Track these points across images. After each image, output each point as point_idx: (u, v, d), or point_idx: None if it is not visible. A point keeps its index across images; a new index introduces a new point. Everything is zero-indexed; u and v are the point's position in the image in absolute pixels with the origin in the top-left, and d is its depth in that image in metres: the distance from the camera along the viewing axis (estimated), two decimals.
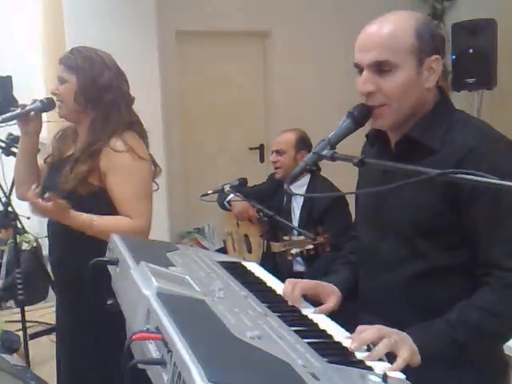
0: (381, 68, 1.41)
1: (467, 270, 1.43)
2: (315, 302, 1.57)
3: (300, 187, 3.26)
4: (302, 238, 2.85)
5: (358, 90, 1.45)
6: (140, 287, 1.27)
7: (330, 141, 1.38)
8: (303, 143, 3.45)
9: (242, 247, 3.75)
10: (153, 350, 1.10)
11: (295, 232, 3.16)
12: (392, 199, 1.50)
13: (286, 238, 2.85)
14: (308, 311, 1.48)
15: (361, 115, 1.42)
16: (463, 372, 1.41)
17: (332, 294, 1.59)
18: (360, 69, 1.45)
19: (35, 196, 2.09)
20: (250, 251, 3.67)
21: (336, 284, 1.64)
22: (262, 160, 5.79)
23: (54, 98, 2.30)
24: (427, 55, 1.42)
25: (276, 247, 2.86)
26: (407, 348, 1.23)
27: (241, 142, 5.70)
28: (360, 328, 1.25)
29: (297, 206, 3.43)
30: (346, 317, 1.52)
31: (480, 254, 1.39)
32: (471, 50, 4.94)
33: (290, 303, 1.50)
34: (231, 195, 3.54)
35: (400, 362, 1.18)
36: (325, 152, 1.36)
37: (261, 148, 5.79)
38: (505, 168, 1.32)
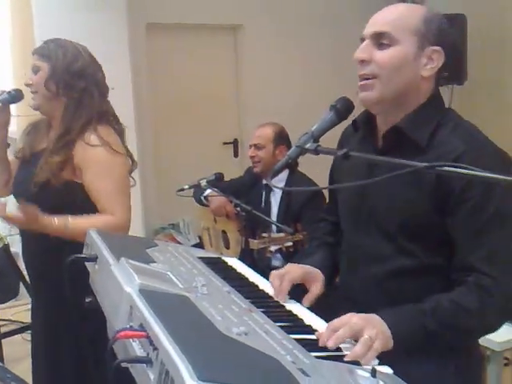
0: (381, 41, 1.42)
1: (449, 269, 1.43)
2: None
3: (278, 182, 3.23)
4: (281, 234, 2.84)
5: (354, 57, 1.46)
6: (122, 284, 1.24)
7: (313, 134, 1.37)
8: (281, 138, 3.45)
9: (219, 243, 3.73)
10: (137, 348, 1.08)
11: (274, 228, 3.15)
12: (377, 197, 1.49)
13: (264, 235, 2.83)
14: (291, 306, 1.47)
15: (344, 108, 1.41)
16: (441, 365, 1.42)
17: (316, 280, 1.60)
18: (363, 41, 1.46)
19: (3, 211, 2.04)
20: (227, 247, 3.64)
21: (315, 265, 1.64)
22: (236, 155, 5.77)
23: (23, 90, 2.26)
24: (430, 43, 1.43)
25: (255, 244, 2.83)
26: (381, 337, 1.24)
27: (214, 137, 5.66)
28: (330, 327, 1.24)
29: (275, 201, 3.41)
30: (327, 310, 1.52)
31: (459, 257, 1.40)
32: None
33: (275, 297, 1.50)
34: (208, 190, 3.50)
35: (371, 353, 1.19)
36: (308, 145, 1.35)
37: (235, 143, 5.77)
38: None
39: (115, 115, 2.28)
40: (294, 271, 1.58)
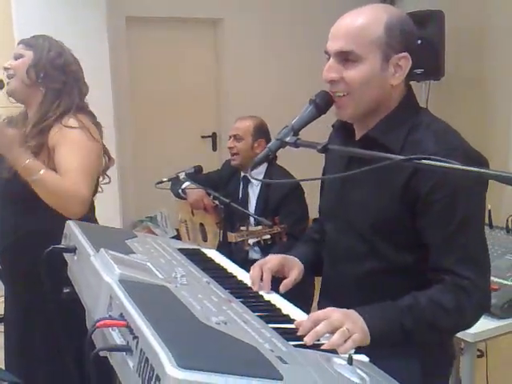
0: (346, 58, 1.41)
1: (424, 269, 1.45)
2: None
3: (257, 175, 3.24)
4: (259, 227, 2.85)
5: (323, 77, 1.45)
6: (101, 274, 1.25)
7: (293, 127, 1.38)
8: (261, 131, 3.43)
9: (196, 235, 3.73)
10: (116, 337, 1.08)
11: (252, 220, 3.16)
12: (352, 198, 1.52)
13: (243, 228, 2.84)
14: (270, 296, 1.49)
15: (323, 102, 1.43)
16: (410, 363, 1.44)
17: (294, 267, 1.62)
18: (328, 56, 1.45)
19: None
20: (205, 240, 3.64)
21: (297, 257, 1.67)
22: (214, 148, 5.77)
23: (4, 78, 2.24)
24: (394, 51, 1.41)
25: (233, 237, 2.84)
26: (359, 331, 1.26)
27: (193, 131, 5.66)
28: (311, 318, 1.26)
29: (253, 195, 3.41)
30: (303, 299, 1.54)
31: (434, 259, 1.42)
32: (419, 41, 5.00)
33: (255, 288, 1.52)
34: (186, 183, 3.50)
35: (349, 343, 1.21)
36: (288, 138, 1.36)
37: (213, 136, 5.77)
38: (458, 176, 1.32)
39: (92, 113, 2.29)
40: (273, 259, 1.61)
